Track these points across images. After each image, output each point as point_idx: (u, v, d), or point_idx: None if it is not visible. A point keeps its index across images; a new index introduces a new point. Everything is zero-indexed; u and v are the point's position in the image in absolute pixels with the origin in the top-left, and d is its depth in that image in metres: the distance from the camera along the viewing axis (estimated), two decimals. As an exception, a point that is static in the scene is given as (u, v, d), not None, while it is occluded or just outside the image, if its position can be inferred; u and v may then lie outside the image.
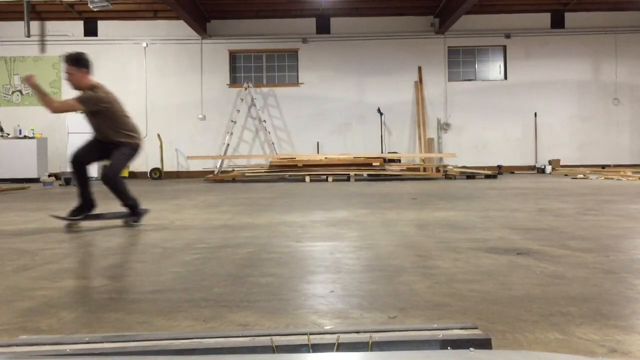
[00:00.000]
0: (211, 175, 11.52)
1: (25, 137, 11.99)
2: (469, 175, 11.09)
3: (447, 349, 1.16)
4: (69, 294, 1.97)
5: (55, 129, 13.06)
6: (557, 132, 13.26)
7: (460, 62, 13.53)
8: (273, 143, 12.91)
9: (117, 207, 4.20)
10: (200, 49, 13.38)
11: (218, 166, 12.61)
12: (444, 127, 13.30)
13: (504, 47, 13.39)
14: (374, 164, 10.76)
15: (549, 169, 12.62)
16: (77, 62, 4.02)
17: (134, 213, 4.18)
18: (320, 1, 12.59)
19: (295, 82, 13.43)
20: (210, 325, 1.58)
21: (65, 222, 4.05)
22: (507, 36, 13.24)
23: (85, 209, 4.10)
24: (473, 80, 13.46)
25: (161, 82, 13.39)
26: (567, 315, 1.62)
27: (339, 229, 3.66)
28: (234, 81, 13.51)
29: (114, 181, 4.10)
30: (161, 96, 13.37)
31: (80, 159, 4.11)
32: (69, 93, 14.27)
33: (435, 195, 6.71)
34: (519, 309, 1.68)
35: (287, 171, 11.03)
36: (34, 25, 13.07)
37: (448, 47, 13.36)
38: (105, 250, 2.91)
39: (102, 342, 1.18)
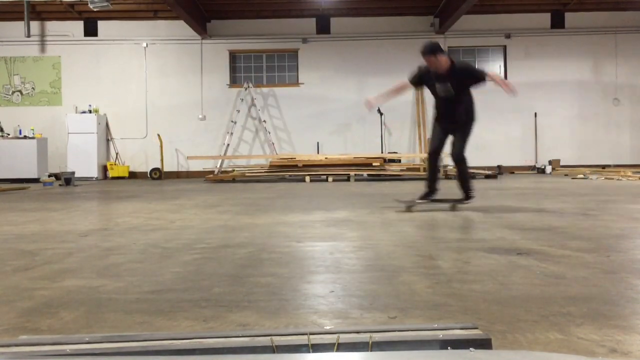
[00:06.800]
0: (211, 176, 11.52)
1: (25, 137, 11.99)
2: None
3: (447, 349, 1.16)
4: (69, 294, 1.97)
5: (55, 129, 13.07)
6: (557, 132, 13.26)
7: (460, 62, 13.52)
8: (273, 143, 12.92)
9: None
10: (200, 49, 13.38)
11: (218, 166, 12.62)
12: (444, 127, 13.29)
13: (504, 47, 13.39)
14: (374, 164, 10.76)
15: (549, 169, 12.62)
16: (435, 51, 4.58)
17: (466, 197, 4.82)
18: (320, 1, 12.59)
19: (295, 82, 13.43)
20: (210, 325, 1.58)
21: (407, 204, 4.87)
22: (507, 36, 13.24)
23: (431, 194, 4.87)
24: (473, 80, 13.44)
25: (161, 82, 13.39)
26: (567, 315, 1.62)
27: (339, 229, 3.66)
28: (234, 81, 13.51)
29: (462, 160, 4.75)
30: (161, 96, 13.37)
31: (437, 151, 4.85)
32: (69, 93, 14.27)
33: (435, 195, 6.70)
34: (519, 309, 1.68)
35: (287, 171, 11.03)
36: (34, 25, 13.07)
37: (448, 47, 13.35)
38: (105, 250, 2.91)
39: (102, 342, 1.18)
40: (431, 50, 4.57)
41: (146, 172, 13.08)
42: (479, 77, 4.61)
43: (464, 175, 4.86)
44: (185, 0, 11.40)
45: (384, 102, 4.81)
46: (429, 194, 4.90)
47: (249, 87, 13.10)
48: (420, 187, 8.57)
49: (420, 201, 4.89)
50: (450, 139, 4.87)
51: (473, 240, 3.06)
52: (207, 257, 2.66)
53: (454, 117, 4.77)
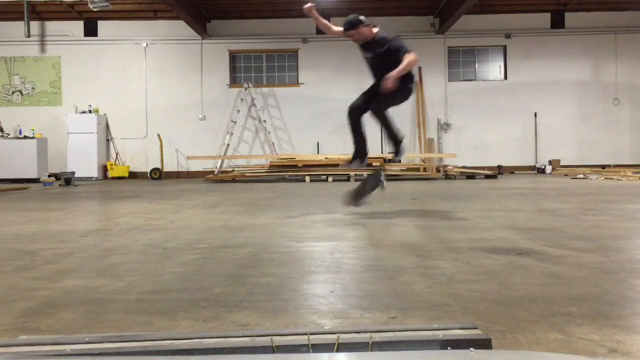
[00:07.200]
0: (211, 176, 11.52)
1: (25, 137, 11.99)
2: (469, 175, 11.09)
3: (447, 349, 1.15)
4: (69, 294, 1.97)
5: (55, 129, 13.07)
6: (557, 132, 13.26)
7: (460, 62, 13.53)
8: (273, 143, 12.92)
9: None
10: (200, 49, 13.38)
11: (218, 166, 12.62)
12: (444, 127, 13.29)
13: (504, 47, 13.39)
14: (374, 164, 10.75)
15: (549, 169, 12.62)
16: (356, 24, 4.45)
17: (396, 150, 4.52)
18: (320, 1, 12.59)
19: (295, 82, 13.43)
20: (210, 325, 1.58)
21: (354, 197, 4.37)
22: (507, 36, 13.24)
23: (360, 158, 4.48)
24: (473, 80, 13.46)
25: (161, 82, 13.39)
26: (567, 315, 1.62)
27: (339, 229, 3.66)
28: (234, 81, 13.51)
29: (381, 115, 4.46)
30: (161, 96, 13.37)
31: (356, 107, 4.50)
32: (69, 93, 14.26)
33: (435, 195, 6.71)
34: (519, 309, 1.68)
35: (287, 171, 11.03)
36: (34, 25, 13.07)
37: (448, 47, 13.36)
38: (105, 250, 2.91)
39: (102, 342, 1.18)
40: (352, 25, 4.44)
41: (146, 172, 13.08)
42: (398, 55, 4.38)
43: (388, 124, 4.49)
44: (185, 0, 11.41)
45: (316, 18, 4.55)
46: (358, 158, 4.50)
47: (249, 87, 13.10)
48: (421, 186, 8.61)
49: (349, 166, 4.59)
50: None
51: (473, 240, 3.06)
52: (207, 257, 2.66)
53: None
